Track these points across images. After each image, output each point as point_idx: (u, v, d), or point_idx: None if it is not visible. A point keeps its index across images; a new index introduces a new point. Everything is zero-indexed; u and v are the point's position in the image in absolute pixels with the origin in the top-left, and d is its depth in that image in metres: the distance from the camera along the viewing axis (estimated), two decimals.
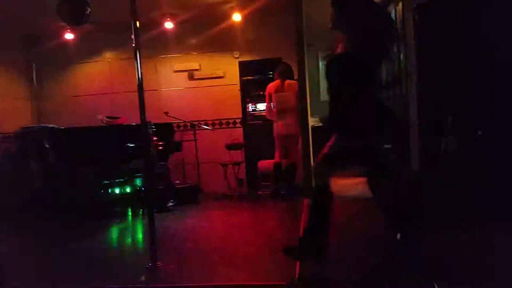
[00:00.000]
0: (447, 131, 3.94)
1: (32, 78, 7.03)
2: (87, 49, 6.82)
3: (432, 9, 4.52)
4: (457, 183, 3.65)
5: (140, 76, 3.20)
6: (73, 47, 6.61)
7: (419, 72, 4.64)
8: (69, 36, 6.47)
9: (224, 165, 6.10)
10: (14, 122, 6.26)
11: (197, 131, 6.19)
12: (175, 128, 6.46)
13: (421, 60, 4.63)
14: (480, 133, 3.85)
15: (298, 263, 2.93)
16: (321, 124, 7.43)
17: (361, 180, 2.65)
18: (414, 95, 4.65)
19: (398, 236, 2.53)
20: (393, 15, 5.63)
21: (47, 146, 5.50)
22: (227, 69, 6.65)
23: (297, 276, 2.77)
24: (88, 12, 4.61)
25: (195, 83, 6.73)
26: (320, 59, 8.55)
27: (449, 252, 2.95)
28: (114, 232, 4.66)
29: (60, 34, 6.42)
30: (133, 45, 3.20)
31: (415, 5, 4.72)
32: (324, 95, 8.62)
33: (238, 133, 6.57)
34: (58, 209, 4.98)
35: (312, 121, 6.17)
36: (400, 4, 5.14)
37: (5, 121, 6.28)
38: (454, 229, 3.36)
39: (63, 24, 5.15)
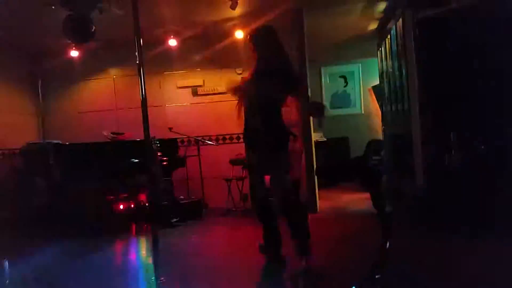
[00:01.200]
0: (451, 146, 3.94)
1: (38, 95, 7.10)
2: (92, 66, 6.91)
3: (434, 24, 4.57)
4: (461, 197, 3.64)
5: (144, 92, 3.25)
6: (78, 64, 6.71)
7: (421, 88, 4.67)
8: (74, 53, 6.57)
9: (228, 180, 6.10)
10: (20, 137, 6.32)
11: (201, 147, 6.21)
12: (179, 144, 6.49)
13: (422, 76, 4.66)
14: (483, 147, 3.85)
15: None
16: (325, 139, 7.47)
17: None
18: (417, 110, 4.67)
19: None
20: (393, 31, 5.69)
21: (52, 162, 5.54)
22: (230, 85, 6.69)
23: None
24: (92, 30, 4.69)
25: (199, 99, 6.78)
26: (322, 74, 8.65)
27: (449, 264, 2.93)
28: (118, 248, 4.65)
29: (65, 52, 6.52)
30: (137, 62, 3.25)
31: (415, 20, 4.78)
32: (327, 110, 8.68)
33: (241, 149, 6.57)
34: (62, 225, 4.98)
35: (315, 136, 6.20)
36: (401, 20, 5.19)
37: (11, 137, 6.34)
38: (458, 242, 3.34)
39: (68, 41, 5.23)
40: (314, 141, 5.65)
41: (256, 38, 3.30)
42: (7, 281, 2.31)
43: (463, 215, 3.52)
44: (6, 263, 2.31)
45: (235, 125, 6.61)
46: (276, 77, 3.29)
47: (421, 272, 2.81)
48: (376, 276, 2.51)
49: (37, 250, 4.41)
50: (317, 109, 3.61)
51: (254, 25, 6.04)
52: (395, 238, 2.70)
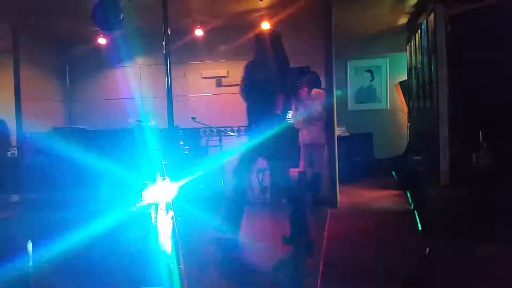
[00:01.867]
0: (479, 145, 3.83)
1: (66, 81, 7.24)
2: (119, 54, 6.98)
3: (465, 20, 4.44)
4: (488, 198, 3.54)
5: (169, 81, 3.26)
6: (106, 52, 6.80)
7: (450, 85, 4.55)
8: (102, 41, 6.65)
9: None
10: (47, 122, 6.47)
11: (222, 137, 6.22)
12: (201, 134, 6.52)
13: (452, 72, 4.54)
14: None
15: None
16: (348, 134, 7.37)
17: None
18: (445, 107, 4.56)
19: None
20: (424, 26, 5.55)
21: (78, 146, 5.65)
22: None
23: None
24: (121, 18, 4.72)
25: (223, 90, 6.78)
26: (348, 68, 8.53)
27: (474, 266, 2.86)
28: (140, 235, 4.71)
29: (93, 39, 6.61)
30: (164, 51, 3.26)
31: (447, 16, 4.64)
32: (351, 105, 8.56)
33: None
34: (85, 209, 5.08)
35: (338, 131, 6.13)
36: (432, 15, 5.06)
37: (38, 121, 6.49)
38: (484, 245, 3.26)
39: (96, 29, 5.29)
40: (337, 136, 5.57)
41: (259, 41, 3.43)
42: (30, 262, 2.37)
43: (490, 217, 3.43)
44: (30, 246, 2.36)
45: None
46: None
47: (452, 277, 2.75)
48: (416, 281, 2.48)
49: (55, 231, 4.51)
50: None
51: (280, 17, 6.05)
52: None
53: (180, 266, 3.18)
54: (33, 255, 2.39)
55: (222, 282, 3.09)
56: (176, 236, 3.26)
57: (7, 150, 6.45)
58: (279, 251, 3.87)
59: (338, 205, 5.38)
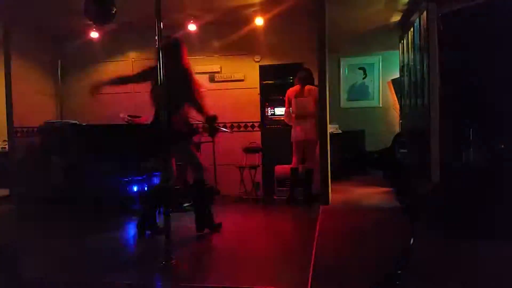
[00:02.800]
0: (469, 143, 3.87)
1: (57, 76, 7.18)
2: (111, 48, 6.94)
3: (458, 18, 4.46)
4: (478, 196, 3.58)
5: (162, 77, 3.24)
6: (98, 46, 6.75)
7: (442, 83, 4.58)
8: (94, 34, 6.61)
9: (241, 168, 6.11)
10: (39, 117, 6.43)
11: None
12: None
13: (444, 70, 4.57)
14: (503, 146, 3.77)
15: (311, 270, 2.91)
16: (340, 131, 7.40)
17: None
18: (437, 105, 4.59)
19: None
20: (417, 24, 5.58)
21: (69, 141, 5.62)
22: (248, 72, 6.67)
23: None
24: (114, 12, 4.69)
25: (215, 86, 6.77)
26: (341, 65, 8.55)
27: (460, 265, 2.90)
28: (130, 229, 4.71)
29: (85, 33, 6.56)
30: (156, 45, 3.24)
31: (440, 14, 4.67)
32: (344, 102, 8.60)
33: (256, 137, 6.58)
34: (76, 204, 5.07)
35: (331, 128, 6.15)
36: (425, 13, 5.08)
37: (30, 116, 6.45)
38: (470, 243, 3.30)
39: (88, 23, 5.25)
40: (329, 133, 5.59)
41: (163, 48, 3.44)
42: (19, 258, 2.35)
43: (478, 215, 3.47)
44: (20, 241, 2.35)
45: (250, 114, 6.66)
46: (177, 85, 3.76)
47: (438, 272, 2.78)
48: (398, 272, 2.49)
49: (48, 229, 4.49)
50: (211, 124, 4.28)
51: (273, 12, 6.05)
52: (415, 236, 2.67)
53: (172, 261, 3.18)
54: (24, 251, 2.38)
55: (214, 276, 3.09)
56: (169, 230, 3.25)
57: None
58: (270, 245, 3.89)
59: (330, 202, 5.41)
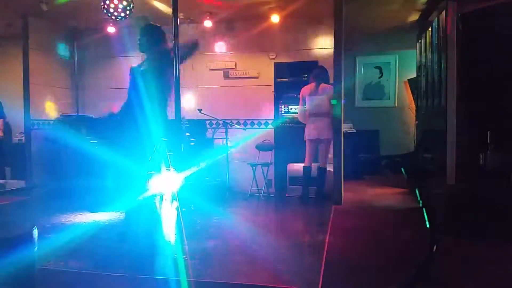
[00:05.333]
0: (487, 146, 3.80)
1: (74, 69, 7.26)
2: (127, 43, 6.97)
3: (477, 19, 4.38)
4: (494, 199, 3.52)
5: (177, 72, 3.25)
6: (114, 41, 6.80)
7: (459, 84, 4.51)
8: (111, 29, 6.66)
9: (254, 165, 6.11)
10: (56, 110, 6.53)
11: (228, 130, 6.23)
12: (207, 126, 6.53)
13: (462, 71, 4.49)
14: None
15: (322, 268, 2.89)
16: (354, 131, 7.34)
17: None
18: (453, 106, 4.52)
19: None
20: (435, 23, 5.49)
21: (84, 134, 5.68)
22: (262, 69, 6.65)
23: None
24: (131, 7, 4.73)
25: (230, 82, 6.77)
26: (357, 64, 8.47)
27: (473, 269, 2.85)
28: (143, 225, 4.73)
29: (103, 27, 6.61)
30: (172, 41, 3.25)
31: (459, 14, 4.59)
32: (359, 101, 8.52)
33: (269, 134, 6.57)
34: (89, 197, 5.13)
35: (345, 127, 6.10)
36: (444, 12, 5.01)
37: (48, 109, 6.55)
38: (486, 246, 3.24)
39: (106, 17, 5.29)
40: (344, 132, 5.55)
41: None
42: (36, 248, 2.38)
43: (494, 218, 3.41)
44: (36, 231, 2.38)
45: (264, 111, 6.65)
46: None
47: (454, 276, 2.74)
48: (419, 276, 2.46)
49: (61, 219, 4.55)
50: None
51: (289, 10, 6.01)
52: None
53: (184, 257, 3.19)
54: (39, 242, 2.42)
55: (225, 272, 3.10)
56: (180, 226, 3.27)
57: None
58: (281, 243, 3.88)
59: (342, 201, 5.37)
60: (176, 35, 3.24)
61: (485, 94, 4.20)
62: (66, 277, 2.99)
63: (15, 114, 6.36)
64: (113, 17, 4.81)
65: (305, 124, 5.72)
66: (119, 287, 2.89)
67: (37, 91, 6.39)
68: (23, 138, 6.42)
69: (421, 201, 2.45)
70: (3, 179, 6.55)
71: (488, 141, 3.78)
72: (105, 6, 4.67)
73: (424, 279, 2.45)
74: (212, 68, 6.83)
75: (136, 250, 3.46)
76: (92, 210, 4.95)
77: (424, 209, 2.44)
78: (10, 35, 6.63)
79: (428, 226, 2.49)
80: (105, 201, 4.95)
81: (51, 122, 6.49)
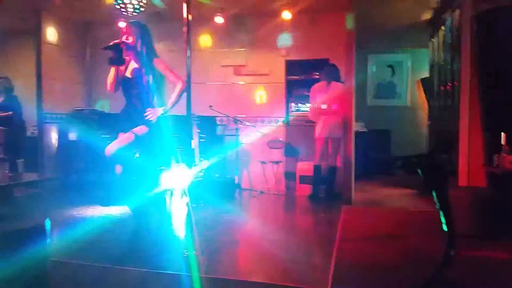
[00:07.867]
0: (500, 147, 3.75)
1: (86, 64, 7.30)
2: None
3: (492, 18, 4.32)
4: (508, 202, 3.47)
5: (189, 69, 3.26)
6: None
7: (473, 84, 4.46)
8: (122, 24, 6.67)
9: (264, 163, 6.11)
10: (68, 104, 6.58)
11: (239, 127, 6.23)
12: (218, 122, 6.54)
13: (476, 71, 4.44)
14: None
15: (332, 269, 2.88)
16: (365, 130, 7.30)
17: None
18: (466, 107, 4.47)
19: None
20: (449, 22, 5.43)
21: (96, 129, 5.72)
22: (273, 67, 6.63)
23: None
24: (144, 2, 4.75)
25: (241, 79, 6.77)
26: (369, 62, 8.41)
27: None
28: (153, 219, 4.77)
29: (114, 22, 6.64)
30: (184, 37, 3.26)
31: (473, 13, 4.53)
32: (370, 100, 8.46)
33: (279, 132, 6.56)
34: (99, 191, 5.17)
35: (356, 126, 6.06)
36: (458, 11, 4.95)
37: (60, 103, 6.60)
38: (503, 248, 3.20)
39: (118, 12, 5.31)
40: (354, 132, 5.52)
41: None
42: (48, 240, 2.41)
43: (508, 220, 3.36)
44: (48, 223, 2.40)
45: (274, 109, 6.64)
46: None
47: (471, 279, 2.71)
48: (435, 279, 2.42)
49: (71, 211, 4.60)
50: None
51: (301, 7, 5.98)
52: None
53: (194, 252, 3.20)
54: (51, 234, 2.44)
55: (234, 269, 3.10)
56: (191, 221, 3.28)
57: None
58: (291, 241, 3.88)
59: (352, 201, 5.34)
60: (188, 31, 3.24)
61: (500, 94, 4.15)
62: (77, 269, 3.01)
63: (29, 108, 6.43)
64: (126, 12, 4.83)
65: (315, 122, 5.70)
66: (130, 281, 2.90)
67: (50, 86, 6.45)
68: (36, 131, 6.49)
69: (438, 203, 2.41)
70: (15, 171, 6.62)
71: (502, 143, 3.73)
72: (118, 1, 4.69)
73: (440, 283, 2.41)
74: (223, 64, 6.82)
75: (147, 244, 3.48)
76: (104, 204, 4.98)
77: (441, 211, 2.40)
78: (23, 29, 6.69)
79: (445, 229, 2.45)
80: (117, 196, 4.99)
81: (64, 116, 6.55)
